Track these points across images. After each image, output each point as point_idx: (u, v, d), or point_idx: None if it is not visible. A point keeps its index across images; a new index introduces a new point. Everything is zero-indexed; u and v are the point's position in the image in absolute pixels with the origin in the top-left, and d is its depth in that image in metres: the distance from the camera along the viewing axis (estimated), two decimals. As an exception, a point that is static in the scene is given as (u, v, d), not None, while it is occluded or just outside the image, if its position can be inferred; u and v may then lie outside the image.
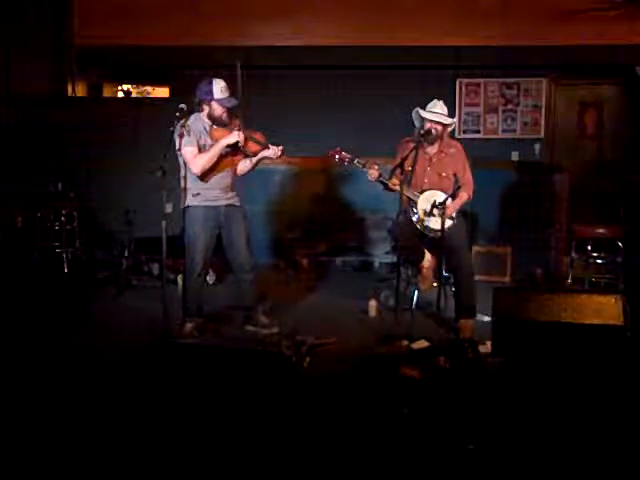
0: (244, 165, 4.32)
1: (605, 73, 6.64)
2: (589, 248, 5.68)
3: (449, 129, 4.44)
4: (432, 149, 4.39)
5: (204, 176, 4.13)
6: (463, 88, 6.81)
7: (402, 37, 6.45)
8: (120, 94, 8.31)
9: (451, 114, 4.46)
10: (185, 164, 4.07)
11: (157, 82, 8.27)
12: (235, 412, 2.66)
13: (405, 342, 4.04)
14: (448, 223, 4.21)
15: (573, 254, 5.73)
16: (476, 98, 6.82)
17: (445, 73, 6.69)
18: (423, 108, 4.32)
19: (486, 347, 3.68)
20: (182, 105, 3.83)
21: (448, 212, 4.19)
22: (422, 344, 3.99)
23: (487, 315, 4.09)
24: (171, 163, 3.76)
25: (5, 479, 2.45)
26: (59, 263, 5.97)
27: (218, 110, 4.07)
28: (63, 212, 6.03)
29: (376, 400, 3.01)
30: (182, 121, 3.94)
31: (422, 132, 4.26)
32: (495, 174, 6.22)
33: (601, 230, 5.62)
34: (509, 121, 6.83)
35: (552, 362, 3.25)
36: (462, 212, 4.47)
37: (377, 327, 4.42)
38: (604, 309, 3.31)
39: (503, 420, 2.83)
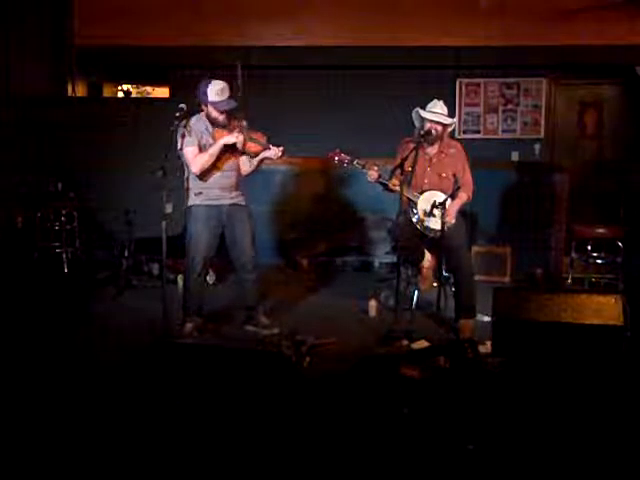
0: (246, 165, 4.32)
1: (605, 73, 6.64)
2: (589, 248, 5.68)
3: (449, 129, 4.43)
4: (432, 149, 4.38)
5: (203, 175, 4.14)
6: (463, 88, 6.82)
7: (402, 37, 6.46)
8: (120, 94, 8.32)
9: (451, 114, 4.45)
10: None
11: (157, 82, 8.27)
12: (235, 412, 2.66)
13: (405, 342, 4.04)
14: (448, 223, 4.21)
15: (573, 254, 5.74)
16: (476, 98, 6.82)
17: (445, 73, 6.69)
18: (423, 108, 4.32)
19: (486, 347, 3.68)
20: (182, 105, 3.83)
21: (448, 217, 4.19)
22: (422, 344, 4.00)
23: (487, 315, 4.10)
24: (171, 163, 3.76)
25: (5, 479, 2.45)
26: (59, 263, 5.97)
27: (214, 112, 4.07)
28: (63, 212, 6.04)
29: (376, 400, 3.01)
30: (184, 121, 3.95)
31: (422, 132, 4.26)
32: (495, 174, 6.22)
33: (601, 230, 5.63)
34: (509, 121, 6.83)
35: (552, 362, 3.25)
36: (462, 212, 4.47)
37: (377, 327, 4.42)
38: (604, 309, 3.31)
39: (503, 420, 2.83)
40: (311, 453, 2.57)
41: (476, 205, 5.10)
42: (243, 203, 4.32)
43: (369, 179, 4.29)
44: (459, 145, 4.51)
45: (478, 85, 6.82)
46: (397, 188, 4.24)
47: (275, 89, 6.50)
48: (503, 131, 6.85)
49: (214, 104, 4.03)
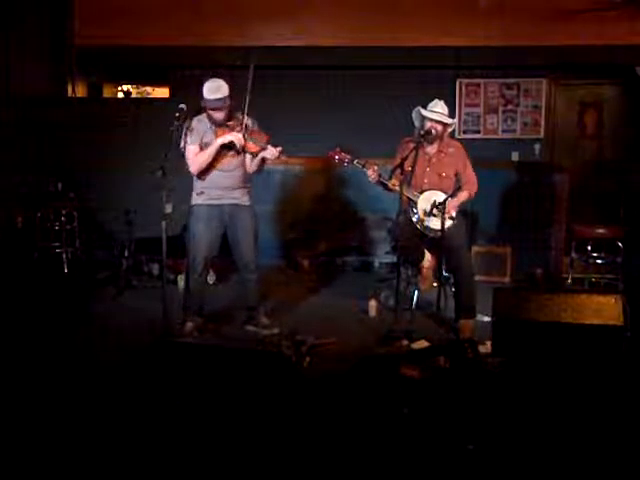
0: (250, 165, 4.29)
1: (605, 73, 6.64)
2: (589, 248, 5.68)
3: (449, 130, 4.43)
4: (432, 149, 4.38)
5: (202, 175, 4.16)
6: (463, 88, 6.81)
7: (402, 37, 6.45)
8: (120, 94, 8.32)
9: (451, 114, 4.46)
10: None
11: (157, 82, 8.27)
12: (235, 412, 2.66)
13: (405, 342, 4.04)
14: (448, 223, 4.21)
15: (573, 254, 5.74)
16: (476, 98, 6.82)
17: (445, 73, 6.69)
18: (424, 108, 4.32)
19: (486, 347, 3.68)
20: (182, 105, 3.84)
21: (449, 210, 4.19)
22: (422, 344, 4.00)
23: (487, 315, 4.10)
24: (171, 163, 3.76)
25: (5, 479, 2.45)
26: (59, 263, 5.97)
27: (208, 110, 4.07)
28: (63, 212, 6.04)
29: (376, 400, 3.01)
30: (187, 121, 3.97)
31: (422, 132, 4.26)
32: (495, 174, 6.21)
33: (601, 230, 5.63)
34: (509, 121, 6.83)
35: (552, 362, 3.25)
36: (462, 212, 4.47)
37: (377, 327, 4.42)
38: (604, 309, 3.31)
39: (503, 420, 2.83)
40: (311, 453, 2.57)
41: (476, 205, 5.11)
42: (247, 203, 4.29)
43: (369, 179, 4.29)
44: (458, 144, 4.51)
45: (478, 85, 6.81)
46: (397, 188, 4.24)
47: (275, 89, 6.49)
48: (503, 131, 6.84)
49: (205, 102, 4.04)
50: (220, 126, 4.11)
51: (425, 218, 4.31)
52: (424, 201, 4.32)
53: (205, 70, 4.50)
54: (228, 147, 4.11)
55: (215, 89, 4.00)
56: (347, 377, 3.30)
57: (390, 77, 6.64)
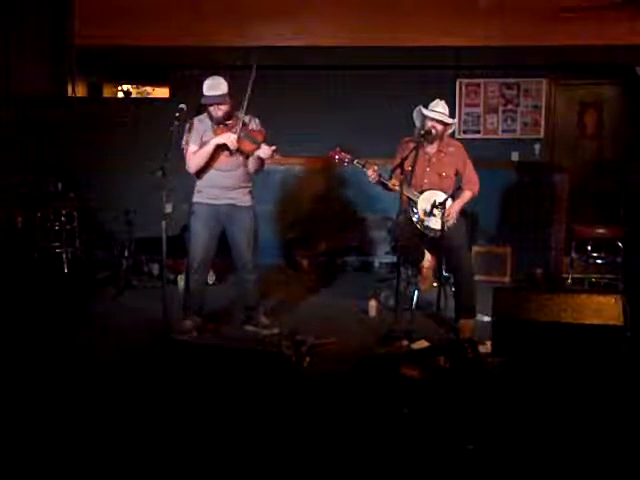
0: (251, 164, 4.26)
1: (605, 73, 6.64)
2: (589, 248, 5.68)
3: (449, 130, 4.43)
4: (432, 149, 4.38)
5: (200, 174, 4.17)
6: (463, 88, 6.81)
7: (402, 37, 6.45)
8: (120, 94, 8.31)
9: (451, 114, 4.45)
10: None
11: (157, 82, 8.27)
12: (235, 412, 2.66)
13: (405, 342, 4.04)
14: (448, 223, 4.21)
15: (573, 254, 5.74)
16: (476, 98, 6.82)
17: (445, 73, 6.69)
18: (425, 107, 4.32)
19: (486, 347, 3.69)
20: (182, 105, 3.84)
21: (449, 217, 4.19)
22: (422, 344, 4.00)
23: (487, 315, 4.10)
24: (171, 163, 3.76)
25: (5, 479, 2.45)
26: (59, 263, 5.97)
27: (207, 107, 4.07)
28: (63, 212, 6.03)
29: (376, 400, 3.01)
30: (188, 121, 3.98)
31: (422, 132, 4.26)
32: (495, 174, 6.21)
33: (601, 230, 5.63)
34: (509, 121, 6.82)
35: (552, 362, 3.25)
36: (462, 212, 4.46)
37: (377, 327, 4.42)
38: (604, 309, 3.31)
39: (503, 420, 2.83)
40: (311, 453, 2.57)
41: (476, 205, 5.10)
42: (246, 203, 4.27)
43: (369, 179, 4.29)
44: (458, 143, 4.51)
45: (478, 85, 6.81)
46: (397, 188, 4.24)
47: (275, 89, 6.49)
48: (503, 131, 6.84)
49: (204, 98, 4.04)
50: (219, 125, 4.11)
51: (425, 218, 4.31)
52: (424, 201, 4.32)
53: (205, 70, 4.48)
54: (226, 147, 4.10)
55: (215, 86, 4.01)
56: (347, 377, 3.30)
57: (390, 77, 6.64)
